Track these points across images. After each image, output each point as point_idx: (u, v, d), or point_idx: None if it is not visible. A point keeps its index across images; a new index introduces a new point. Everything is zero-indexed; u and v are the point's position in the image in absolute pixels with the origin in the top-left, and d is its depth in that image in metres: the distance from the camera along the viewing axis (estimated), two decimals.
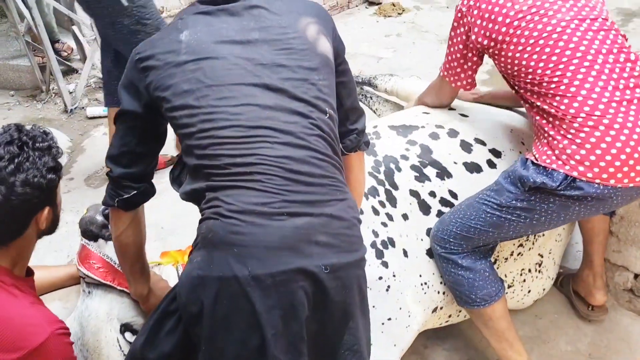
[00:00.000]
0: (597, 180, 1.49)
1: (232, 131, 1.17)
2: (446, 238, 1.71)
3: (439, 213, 1.80)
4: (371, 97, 2.64)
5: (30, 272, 1.45)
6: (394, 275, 1.68)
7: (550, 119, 1.58)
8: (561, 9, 1.62)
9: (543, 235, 1.98)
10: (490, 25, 1.67)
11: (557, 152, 1.54)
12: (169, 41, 1.25)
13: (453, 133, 1.92)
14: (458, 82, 1.89)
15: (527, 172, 1.57)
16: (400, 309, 1.69)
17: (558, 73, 1.56)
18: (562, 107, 1.54)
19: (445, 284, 1.80)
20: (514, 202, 1.61)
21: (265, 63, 1.23)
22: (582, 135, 1.51)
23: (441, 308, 1.84)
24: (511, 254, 1.91)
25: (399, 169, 1.82)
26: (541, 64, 1.59)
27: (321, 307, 1.19)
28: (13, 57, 4.24)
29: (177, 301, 1.27)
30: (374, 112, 2.65)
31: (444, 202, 1.81)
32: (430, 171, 1.83)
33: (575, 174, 1.50)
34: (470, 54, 1.80)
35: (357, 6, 5.66)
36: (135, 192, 1.36)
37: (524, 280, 2.01)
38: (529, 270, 2.02)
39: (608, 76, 1.54)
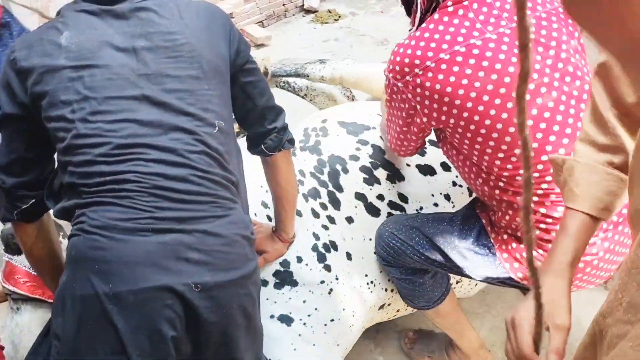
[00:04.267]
0: None
1: (105, 149, 1.12)
2: (385, 250, 1.66)
3: (389, 215, 1.76)
4: (306, 88, 2.48)
5: None
6: (336, 278, 1.66)
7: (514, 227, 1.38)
8: (539, 89, 1.25)
9: None
10: (445, 108, 1.29)
11: (517, 255, 1.39)
12: (48, 43, 1.17)
13: None
14: (407, 151, 1.57)
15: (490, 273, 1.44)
16: (344, 309, 1.67)
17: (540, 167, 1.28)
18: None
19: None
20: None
21: (149, 73, 1.17)
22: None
23: (389, 304, 1.83)
24: None
25: (346, 171, 1.77)
26: (509, 165, 1.30)
27: (194, 328, 1.13)
28: None
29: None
30: (314, 104, 2.53)
31: (392, 205, 1.77)
32: (381, 173, 1.79)
33: (526, 282, 1.39)
34: (413, 130, 1.44)
35: (294, 15, 5.76)
36: (33, 200, 1.28)
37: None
38: None
39: None
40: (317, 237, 1.68)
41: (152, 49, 1.18)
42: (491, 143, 1.29)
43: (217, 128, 1.21)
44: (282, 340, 1.60)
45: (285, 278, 1.63)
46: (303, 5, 5.82)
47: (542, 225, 1.32)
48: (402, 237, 1.60)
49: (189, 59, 1.20)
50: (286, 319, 1.62)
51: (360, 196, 1.75)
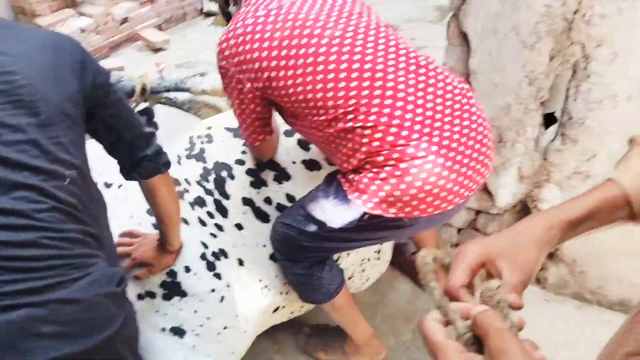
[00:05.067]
0: (401, 215, 1.40)
1: None
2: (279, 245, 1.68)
3: None
4: (189, 102, 2.38)
5: None
6: (227, 286, 1.64)
7: (350, 154, 1.44)
8: (327, 24, 1.43)
9: None
10: (257, 65, 1.44)
11: (361, 186, 1.42)
12: None
13: (290, 132, 1.86)
14: (261, 136, 1.64)
15: (326, 217, 1.51)
16: (237, 316, 1.66)
17: (351, 102, 1.37)
18: (365, 140, 1.38)
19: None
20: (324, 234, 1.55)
21: None
22: (383, 175, 1.37)
23: (284, 307, 1.84)
24: None
25: (232, 177, 1.76)
26: (330, 94, 1.39)
27: None
28: None
29: None
30: (199, 116, 2.45)
31: (281, 208, 1.76)
32: (267, 174, 1.78)
33: (379, 212, 1.40)
34: (254, 109, 1.55)
35: (193, 18, 5.71)
36: None
37: (363, 270, 2.04)
38: (369, 260, 2.04)
39: (405, 93, 1.38)
40: (205, 246, 1.66)
41: None
42: (299, 80, 1.41)
43: (67, 179, 1.07)
44: (174, 353, 1.56)
45: (173, 289, 1.60)
46: (202, 8, 5.77)
47: (364, 140, 1.38)
48: (289, 221, 1.62)
49: (30, 103, 1.03)
50: (178, 331, 1.59)
51: (247, 201, 1.75)
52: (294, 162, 1.81)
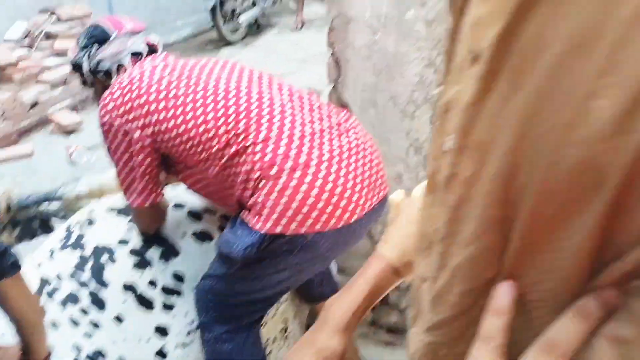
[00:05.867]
0: (302, 230, 1.38)
1: None
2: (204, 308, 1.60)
3: (165, 306, 1.64)
4: (62, 210, 2.24)
5: None
6: None
7: (245, 179, 1.44)
8: (213, 70, 1.56)
9: (286, 300, 1.91)
10: (145, 109, 1.50)
11: (258, 207, 1.40)
12: None
13: (179, 206, 1.79)
14: (150, 197, 1.59)
15: (229, 249, 1.47)
16: None
17: (241, 124, 1.44)
18: (257, 156, 1.41)
19: None
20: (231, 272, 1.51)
21: None
22: (278, 187, 1.38)
23: None
24: None
25: (114, 260, 1.64)
26: (221, 120, 1.44)
27: None
28: None
29: None
30: None
31: (167, 291, 1.64)
32: (153, 253, 1.67)
33: (279, 229, 1.37)
34: (144, 160, 1.54)
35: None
36: None
37: (270, 352, 1.92)
38: (274, 339, 1.94)
39: (292, 114, 1.47)
40: (78, 349, 1.52)
41: None
42: (189, 116, 1.46)
43: None
44: None
45: None
46: None
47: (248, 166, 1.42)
48: (207, 272, 1.58)
49: None
50: None
51: (129, 287, 1.63)
52: (183, 235, 1.72)
